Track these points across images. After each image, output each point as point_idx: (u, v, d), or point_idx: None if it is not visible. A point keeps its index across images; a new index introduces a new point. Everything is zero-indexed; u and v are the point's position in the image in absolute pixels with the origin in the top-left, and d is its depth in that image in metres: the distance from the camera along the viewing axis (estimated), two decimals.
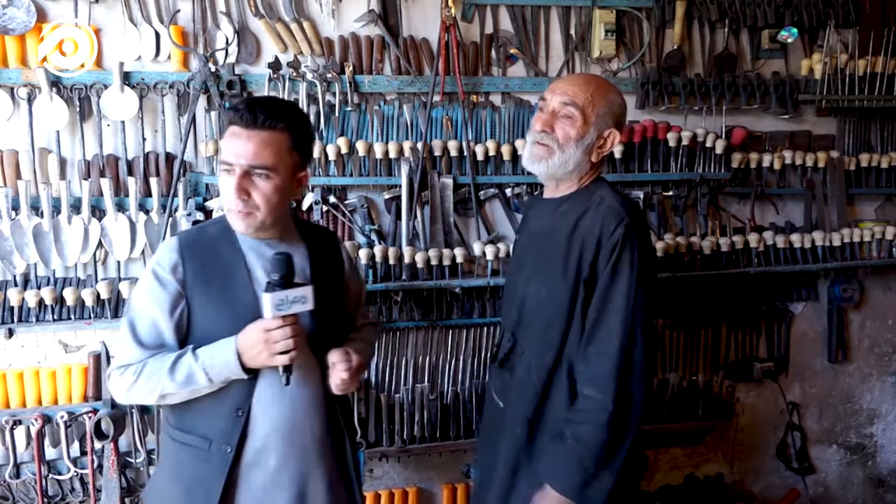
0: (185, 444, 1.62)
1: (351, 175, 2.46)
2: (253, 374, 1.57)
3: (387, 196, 2.54)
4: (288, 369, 1.54)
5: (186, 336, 1.60)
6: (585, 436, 1.64)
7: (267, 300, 1.49)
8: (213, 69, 2.28)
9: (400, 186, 2.48)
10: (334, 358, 1.63)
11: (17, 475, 2.29)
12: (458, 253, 2.46)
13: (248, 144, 1.53)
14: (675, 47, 2.72)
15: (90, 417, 2.26)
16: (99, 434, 2.22)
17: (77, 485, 2.35)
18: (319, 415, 1.67)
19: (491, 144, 2.52)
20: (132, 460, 2.35)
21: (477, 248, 2.48)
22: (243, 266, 1.61)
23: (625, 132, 2.58)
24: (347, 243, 2.40)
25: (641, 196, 2.68)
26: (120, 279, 2.30)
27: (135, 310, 1.60)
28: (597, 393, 1.64)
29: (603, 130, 1.74)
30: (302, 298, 1.53)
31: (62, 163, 2.27)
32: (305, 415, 1.64)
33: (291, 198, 1.65)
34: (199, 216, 2.29)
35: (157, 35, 2.31)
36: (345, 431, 1.74)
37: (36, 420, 2.25)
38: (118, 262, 2.30)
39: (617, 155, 2.61)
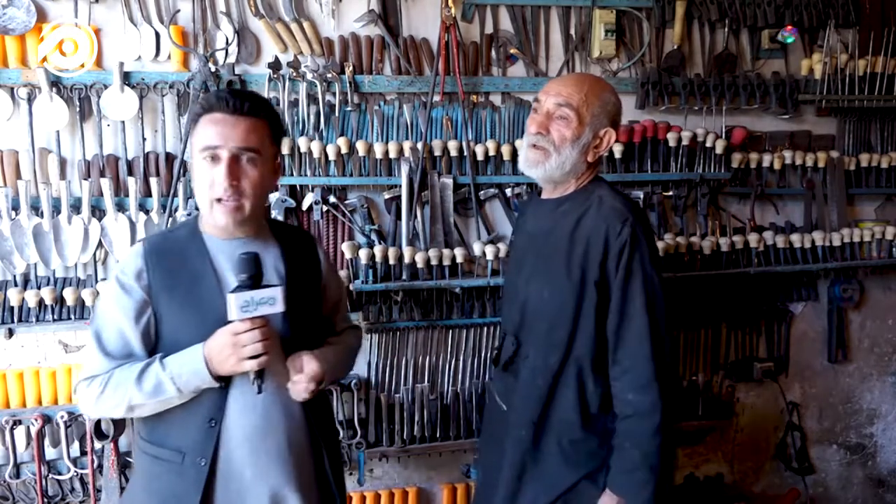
0: (157, 457, 1.56)
1: (351, 175, 2.46)
2: (224, 382, 1.51)
3: (387, 196, 2.54)
4: (260, 376, 1.47)
5: (155, 345, 1.55)
6: (647, 441, 1.64)
7: (231, 301, 1.42)
8: (213, 69, 2.28)
9: (400, 186, 2.48)
10: (289, 364, 1.55)
11: (17, 475, 2.29)
12: (458, 253, 2.46)
13: (235, 128, 1.49)
14: (675, 47, 2.72)
15: (90, 417, 2.26)
16: (99, 434, 2.22)
17: (77, 485, 2.35)
18: (296, 423, 1.60)
19: (491, 144, 2.52)
20: (132, 460, 2.35)
21: (477, 248, 2.48)
22: (211, 270, 1.55)
23: (625, 132, 2.59)
24: (347, 243, 2.41)
25: (641, 196, 2.68)
26: None
27: (100, 319, 1.55)
28: (644, 397, 1.64)
29: (598, 130, 1.74)
30: (270, 300, 1.44)
31: (62, 163, 2.27)
32: (280, 423, 1.57)
33: (270, 190, 1.62)
34: None
35: (157, 35, 2.31)
36: (321, 440, 1.66)
37: (36, 420, 2.24)
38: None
39: (617, 155, 2.61)
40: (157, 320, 1.54)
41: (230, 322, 1.45)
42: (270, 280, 1.52)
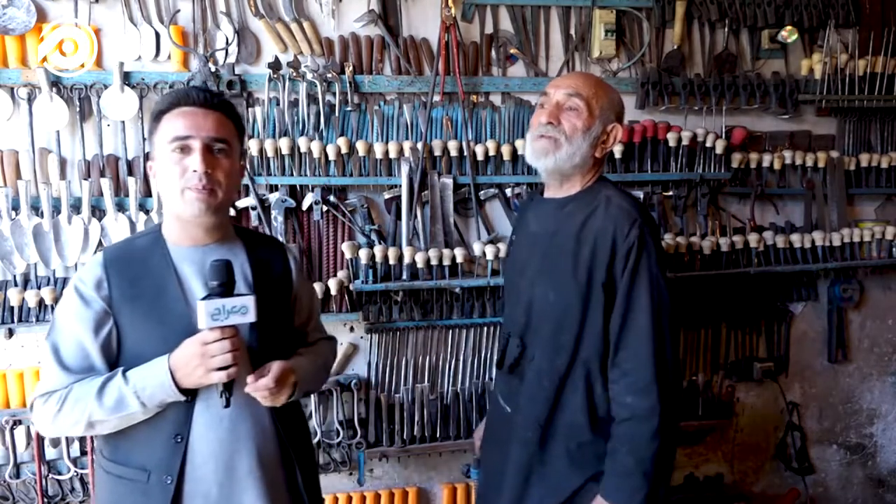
0: (121, 477, 1.47)
1: (351, 175, 2.46)
2: (191, 395, 1.43)
3: (387, 196, 2.54)
4: (228, 388, 1.39)
5: (117, 358, 1.46)
6: (643, 446, 1.62)
7: (201, 308, 1.34)
8: (213, 69, 2.28)
9: (400, 186, 2.48)
10: (256, 374, 1.45)
11: (18, 475, 2.29)
12: (458, 253, 2.46)
13: (206, 119, 1.45)
14: (675, 47, 2.72)
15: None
16: None
17: (77, 485, 2.35)
18: (266, 437, 1.53)
19: (491, 144, 2.52)
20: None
21: (477, 248, 2.48)
22: (175, 278, 1.47)
23: (625, 132, 2.58)
24: (347, 243, 2.41)
25: (641, 196, 2.68)
26: None
27: (58, 331, 1.46)
28: (642, 401, 1.62)
29: (607, 125, 1.74)
30: (242, 308, 1.37)
31: (62, 163, 2.27)
32: (249, 438, 1.50)
33: (237, 188, 1.56)
34: None
35: (157, 35, 2.31)
36: (293, 454, 1.58)
37: None
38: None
39: (617, 155, 2.61)
40: (118, 332, 1.46)
41: (199, 331, 1.38)
42: (239, 289, 1.45)
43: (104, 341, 1.45)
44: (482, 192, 2.61)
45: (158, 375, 1.39)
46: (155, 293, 1.47)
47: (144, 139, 2.31)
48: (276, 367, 1.46)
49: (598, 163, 1.79)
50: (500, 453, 1.87)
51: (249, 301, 1.39)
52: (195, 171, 1.43)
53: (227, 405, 1.41)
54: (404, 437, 2.54)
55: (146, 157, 2.31)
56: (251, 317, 1.39)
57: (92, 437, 2.22)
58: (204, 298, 1.36)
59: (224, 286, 1.38)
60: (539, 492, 1.77)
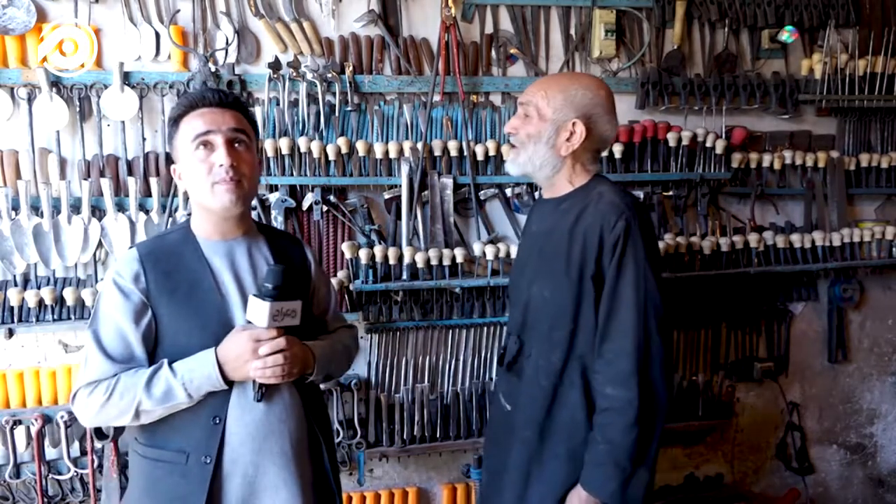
0: (158, 460, 1.53)
1: (351, 175, 2.46)
2: (231, 383, 1.51)
3: (387, 196, 2.54)
4: (263, 386, 1.49)
5: (155, 348, 1.53)
6: (617, 436, 1.63)
7: (263, 308, 1.44)
8: (213, 69, 2.28)
9: (400, 186, 2.48)
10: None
11: (18, 475, 2.29)
12: (458, 253, 2.46)
13: (225, 116, 1.52)
14: (675, 47, 2.72)
15: (88, 426, 2.25)
16: (99, 434, 2.21)
17: (77, 485, 2.35)
18: (295, 420, 1.59)
19: (491, 144, 2.52)
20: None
21: (477, 248, 2.48)
22: (208, 271, 1.55)
23: (625, 132, 2.59)
24: (347, 243, 2.41)
25: (641, 196, 2.68)
26: None
27: (100, 322, 1.52)
28: (620, 391, 1.63)
29: (563, 123, 1.74)
30: (292, 312, 1.47)
31: (62, 163, 2.27)
32: (281, 421, 1.57)
33: (258, 181, 1.65)
34: None
35: (157, 35, 2.31)
36: (321, 437, 1.67)
37: (36, 420, 2.24)
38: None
39: (617, 155, 2.61)
40: (156, 322, 1.52)
41: (249, 325, 1.48)
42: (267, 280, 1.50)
43: (144, 331, 1.51)
44: (482, 192, 2.61)
45: (206, 368, 1.47)
46: (189, 285, 1.54)
47: (144, 139, 2.31)
48: (287, 337, 1.51)
49: (581, 162, 1.79)
50: (502, 452, 1.88)
51: (298, 306, 1.49)
52: (221, 165, 1.49)
53: (259, 400, 1.51)
54: (404, 437, 2.54)
55: (146, 157, 2.31)
56: (297, 321, 1.50)
57: (95, 436, 2.22)
58: (262, 298, 1.45)
59: (279, 290, 1.46)
60: (539, 491, 1.77)
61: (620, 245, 1.65)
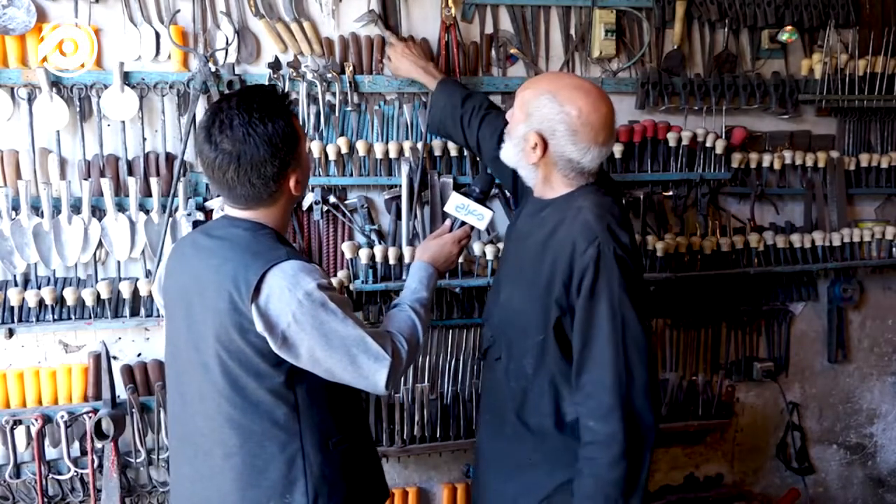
0: (352, 444, 1.69)
1: (351, 175, 2.46)
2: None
3: (387, 196, 2.54)
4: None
5: None
6: (603, 471, 1.60)
7: (453, 196, 1.90)
8: (213, 69, 2.28)
9: (400, 186, 2.48)
10: None
11: (18, 475, 2.29)
12: None
13: None
14: (675, 47, 2.72)
15: (90, 417, 2.26)
16: (99, 434, 2.22)
17: (77, 485, 2.35)
18: None
19: None
20: (132, 460, 2.35)
21: (477, 248, 2.48)
22: None
23: (625, 132, 2.59)
24: (347, 243, 2.41)
25: (642, 196, 2.68)
26: (120, 279, 2.30)
27: (353, 323, 1.55)
28: (603, 426, 1.59)
29: (528, 132, 1.69)
30: (479, 215, 1.86)
31: (62, 163, 2.27)
32: None
33: None
34: (200, 216, 2.29)
35: (157, 35, 2.31)
36: None
37: (36, 420, 2.24)
38: (118, 262, 2.30)
39: (617, 155, 2.61)
40: None
41: (439, 233, 1.96)
42: None
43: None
44: None
45: (429, 278, 1.85)
46: None
47: (144, 139, 2.31)
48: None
49: (555, 173, 1.72)
50: (483, 446, 1.91)
51: (489, 215, 1.92)
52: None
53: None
54: (404, 437, 2.54)
55: (146, 157, 2.31)
56: (483, 226, 1.93)
57: (95, 436, 2.22)
58: (465, 195, 1.89)
59: (482, 192, 1.92)
60: (514, 489, 1.77)
61: (591, 273, 1.58)
